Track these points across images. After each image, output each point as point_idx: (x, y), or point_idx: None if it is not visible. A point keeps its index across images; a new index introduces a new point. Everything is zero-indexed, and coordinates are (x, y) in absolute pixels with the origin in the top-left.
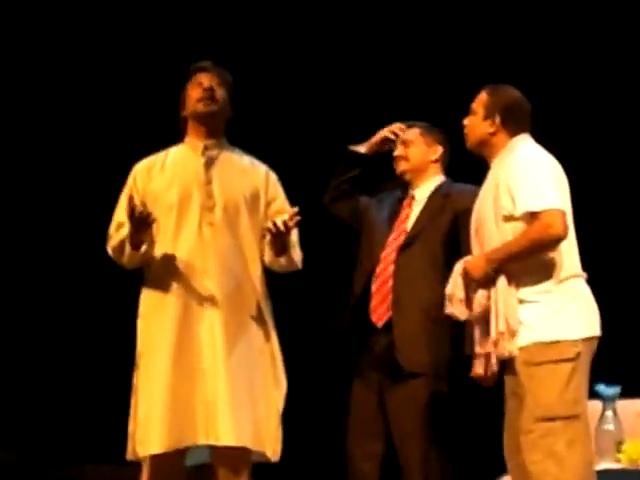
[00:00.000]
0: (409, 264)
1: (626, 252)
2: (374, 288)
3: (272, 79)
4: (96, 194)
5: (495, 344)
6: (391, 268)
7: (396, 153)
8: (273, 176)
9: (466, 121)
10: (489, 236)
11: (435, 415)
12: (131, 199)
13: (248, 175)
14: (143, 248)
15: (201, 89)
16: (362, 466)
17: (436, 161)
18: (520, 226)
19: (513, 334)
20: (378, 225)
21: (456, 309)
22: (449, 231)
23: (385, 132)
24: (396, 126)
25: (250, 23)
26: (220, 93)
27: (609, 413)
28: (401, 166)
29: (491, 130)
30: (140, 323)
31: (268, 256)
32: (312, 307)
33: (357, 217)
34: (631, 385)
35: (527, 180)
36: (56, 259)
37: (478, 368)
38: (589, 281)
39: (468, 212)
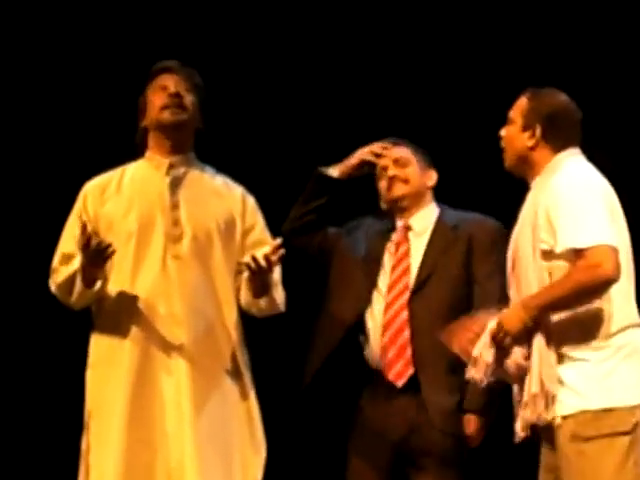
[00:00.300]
0: (426, 309)
1: None
2: (386, 339)
3: (248, 83)
4: (36, 219)
5: (525, 407)
6: (404, 315)
7: (392, 173)
8: (251, 200)
9: (503, 132)
10: (525, 274)
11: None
12: (84, 227)
13: (222, 199)
14: (98, 285)
15: (166, 94)
16: None
17: (432, 187)
18: (561, 265)
19: (549, 397)
20: (354, 260)
21: (478, 374)
22: (465, 265)
23: (365, 153)
24: (378, 146)
25: (222, 21)
26: (189, 99)
27: None
28: (399, 189)
29: (530, 144)
30: (90, 375)
31: (245, 297)
32: (295, 357)
33: (325, 251)
34: None
35: (572, 209)
36: None
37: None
38: None
39: (481, 239)
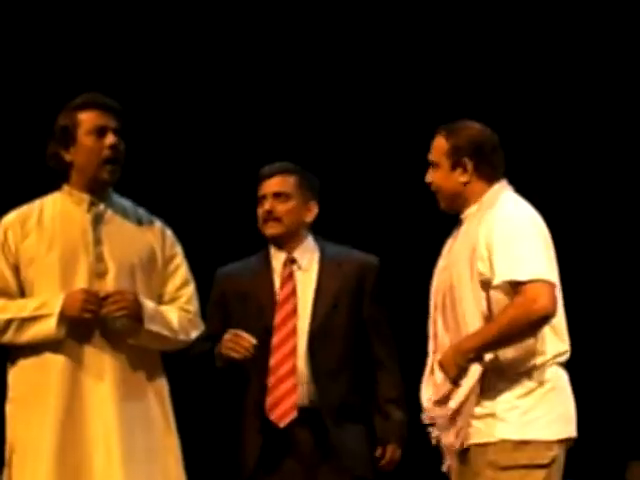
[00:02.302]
0: (318, 355)
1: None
2: (271, 381)
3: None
4: None
5: (447, 429)
6: (293, 360)
7: (268, 207)
8: (169, 233)
9: (430, 177)
10: (461, 306)
11: None
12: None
13: (142, 233)
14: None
15: (106, 145)
16: None
17: (310, 222)
18: (499, 298)
19: (466, 421)
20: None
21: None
22: (356, 306)
23: (229, 351)
24: (241, 340)
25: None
26: (122, 147)
27: None
28: (272, 228)
29: (464, 180)
30: (11, 410)
31: None
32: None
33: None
34: None
35: (511, 243)
36: None
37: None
38: None
39: (369, 281)
